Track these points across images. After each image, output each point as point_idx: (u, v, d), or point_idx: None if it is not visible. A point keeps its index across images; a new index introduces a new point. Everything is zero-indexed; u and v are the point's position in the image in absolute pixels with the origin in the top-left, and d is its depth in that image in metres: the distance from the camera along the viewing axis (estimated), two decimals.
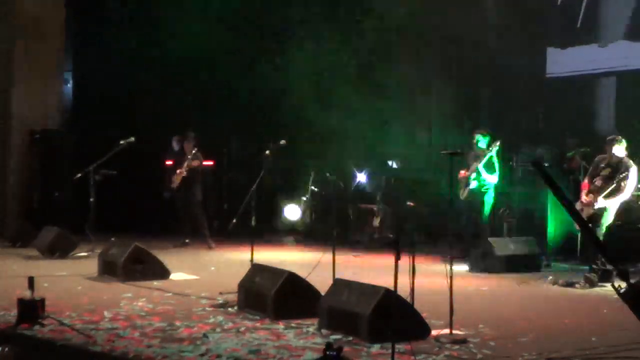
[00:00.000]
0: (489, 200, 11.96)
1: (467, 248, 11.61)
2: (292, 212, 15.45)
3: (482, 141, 11.97)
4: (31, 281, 7.02)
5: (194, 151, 13.24)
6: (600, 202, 9.88)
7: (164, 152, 15.95)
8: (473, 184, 11.87)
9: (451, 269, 6.66)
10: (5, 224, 14.18)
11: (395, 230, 13.74)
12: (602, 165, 10.13)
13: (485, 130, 12.11)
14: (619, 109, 13.50)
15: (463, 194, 12.02)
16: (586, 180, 10.29)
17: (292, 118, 15.22)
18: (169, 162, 15.79)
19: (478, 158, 11.84)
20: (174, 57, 15.96)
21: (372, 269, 11.02)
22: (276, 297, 7.39)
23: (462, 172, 11.95)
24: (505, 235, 12.60)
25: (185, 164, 13.17)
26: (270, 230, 14.98)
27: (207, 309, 7.91)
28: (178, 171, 13.27)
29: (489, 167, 11.80)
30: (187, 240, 13.24)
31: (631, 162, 10.02)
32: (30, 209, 14.95)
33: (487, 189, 11.88)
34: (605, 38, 13.79)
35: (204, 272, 10.65)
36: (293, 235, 15.09)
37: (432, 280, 9.11)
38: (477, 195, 11.88)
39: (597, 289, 9.57)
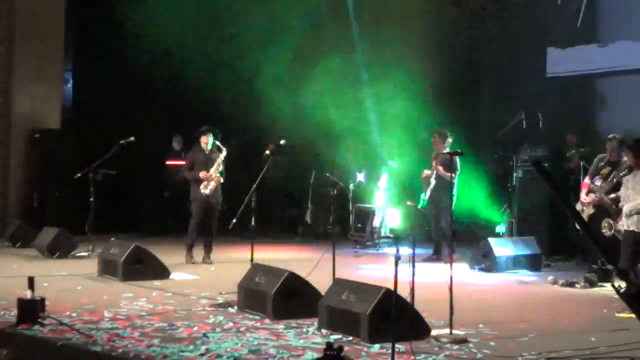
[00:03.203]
0: (452, 199, 11.92)
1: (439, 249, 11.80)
2: (394, 218, 14.38)
3: (445, 140, 11.99)
4: (31, 281, 7.02)
5: (223, 149, 11.67)
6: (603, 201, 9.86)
7: (164, 152, 15.99)
8: (433, 183, 11.89)
9: (451, 268, 6.66)
10: (5, 224, 14.17)
11: (395, 230, 13.74)
12: (602, 164, 10.13)
13: (446, 129, 12.11)
14: (619, 109, 13.51)
15: (427, 194, 12.02)
16: (586, 180, 10.29)
17: (292, 117, 15.23)
18: (169, 162, 15.83)
19: (439, 157, 11.88)
20: (174, 57, 15.97)
21: (372, 268, 11.04)
22: (276, 297, 7.39)
23: (425, 172, 11.99)
24: (505, 235, 12.61)
25: (214, 169, 11.51)
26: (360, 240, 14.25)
27: (207, 309, 7.91)
28: (210, 175, 11.47)
29: (449, 165, 11.76)
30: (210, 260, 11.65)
31: None
32: (30, 209, 14.95)
33: (448, 187, 11.84)
34: (605, 38, 13.80)
35: (204, 272, 10.65)
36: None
37: (432, 280, 9.11)
38: (440, 194, 11.85)
39: (597, 289, 9.58)
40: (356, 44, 15.33)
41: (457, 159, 11.73)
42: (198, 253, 11.60)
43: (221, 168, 11.61)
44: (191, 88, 16.14)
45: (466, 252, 11.75)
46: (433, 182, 11.88)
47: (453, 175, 11.63)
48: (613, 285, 5.63)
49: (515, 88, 14.30)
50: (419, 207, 12.07)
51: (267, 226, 15.29)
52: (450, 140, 11.73)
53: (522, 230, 12.47)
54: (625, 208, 8.93)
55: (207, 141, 11.59)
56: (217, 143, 11.62)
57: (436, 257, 11.73)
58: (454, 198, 11.91)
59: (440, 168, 11.74)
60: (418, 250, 8.23)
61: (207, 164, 11.56)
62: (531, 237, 11.55)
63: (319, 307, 7.03)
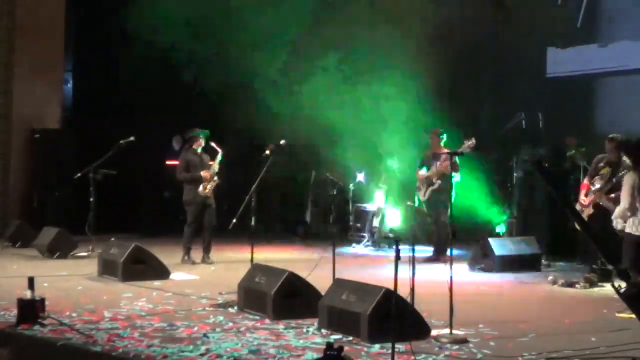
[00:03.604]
0: (452, 199, 11.90)
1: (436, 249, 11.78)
2: (394, 218, 14.11)
3: (441, 140, 11.97)
4: (31, 281, 7.02)
5: (219, 150, 11.63)
6: (602, 201, 9.84)
7: (164, 152, 15.99)
8: (438, 183, 11.86)
9: (451, 269, 6.66)
10: (5, 224, 14.18)
11: (395, 230, 13.74)
12: (602, 164, 10.12)
13: (441, 129, 12.09)
14: (619, 109, 13.51)
15: (425, 195, 11.99)
16: (586, 181, 10.28)
17: (292, 117, 15.22)
18: (169, 162, 15.82)
19: (437, 157, 11.84)
20: (173, 57, 15.97)
21: (372, 268, 11.04)
22: (276, 297, 7.40)
23: (423, 173, 11.96)
24: (505, 235, 12.60)
25: (211, 171, 11.54)
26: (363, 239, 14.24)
27: (207, 309, 7.91)
28: (209, 176, 11.49)
29: (453, 165, 11.77)
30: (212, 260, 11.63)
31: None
32: (30, 209, 14.95)
33: (448, 187, 11.83)
34: (605, 38, 13.80)
35: (204, 272, 10.65)
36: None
37: (432, 280, 9.11)
38: (440, 195, 11.83)
39: (597, 289, 9.58)
40: (354, 43, 15.31)
41: (457, 159, 11.73)
42: (197, 254, 11.60)
43: (217, 169, 11.65)
44: (191, 88, 16.15)
45: (466, 252, 11.75)
46: (438, 182, 11.84)
47: (457, 175, 11.71)
48: (613, 285, 5.64)
49: (515, 88, 14.30)
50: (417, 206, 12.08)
51: (267, 226, 15.30)
52: (473, 140, 11.48)
53: (522, 230, 12.46)
54: (616, 212, 8.94)
55: (201, 143, 11.68)
56: (212, 144, 11.66)
57: (435, 257, 11.73)
58: (454, 198, 11.92)
59: (450, 167, 11.73)
60: (418, 251, 8.22)
61: (202, 165, 11.62)
62: (531, 237, 11.55)
63: (319, 307, 7.04)
